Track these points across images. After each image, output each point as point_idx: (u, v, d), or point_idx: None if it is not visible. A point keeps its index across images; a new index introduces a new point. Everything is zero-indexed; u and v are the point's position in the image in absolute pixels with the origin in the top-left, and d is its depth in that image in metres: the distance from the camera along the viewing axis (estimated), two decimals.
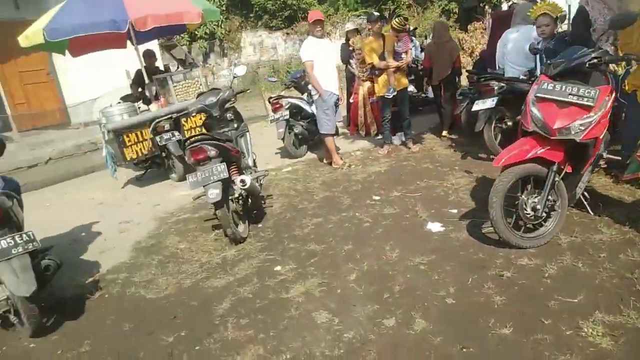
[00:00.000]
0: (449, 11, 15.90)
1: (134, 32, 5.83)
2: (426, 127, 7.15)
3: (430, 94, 7.47)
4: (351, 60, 7.27)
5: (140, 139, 5.95)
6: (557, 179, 2.87)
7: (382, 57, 5.75)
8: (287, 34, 17.89)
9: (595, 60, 2.75)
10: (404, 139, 6.27)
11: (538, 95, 2.84)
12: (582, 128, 2.70)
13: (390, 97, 5.78)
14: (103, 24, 5.66)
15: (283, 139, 6.35)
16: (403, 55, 5.81)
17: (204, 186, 3.55)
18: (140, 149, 5.97)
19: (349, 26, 8.07)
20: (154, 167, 6.53)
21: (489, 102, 4.83)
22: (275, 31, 18.12)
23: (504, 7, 14.11)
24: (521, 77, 4.89)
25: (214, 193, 3.48)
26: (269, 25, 18.07)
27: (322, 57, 5.45)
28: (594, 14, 3.91)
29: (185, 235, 4.26)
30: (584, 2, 4.03)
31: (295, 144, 6.55)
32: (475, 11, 15.57)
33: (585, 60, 2.76)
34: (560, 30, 4.58)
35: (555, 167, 2.81)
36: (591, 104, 2.67)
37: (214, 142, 3.71)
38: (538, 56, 4.36)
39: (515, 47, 4.98)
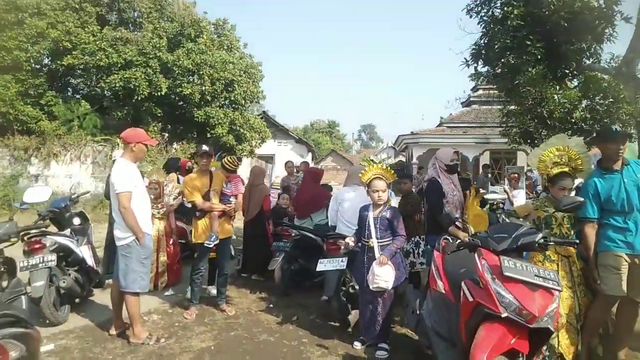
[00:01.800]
0: None
1: None
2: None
3: None
4: None
5: None
6: None
7: (206, 197, 4.77)
8: None
9: (542, 240, 2.71)
10: (216, 297, 5.10)
11: (506, 274, 2.55)
12: (552, 315, 2.49)
13: (212, 245, 4.72)
14: None
15: (39, 298, 4.18)
16: (232, 199, 4.99)
17: None
18: None
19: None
20: None
21: (338, 263, 4.40)
22: None
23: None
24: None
25: None
26: None
27: (140, 188, 4.08)
28: (446, 187, 4.19)
29: None
30: (433, 175, 4.30)
31: (56, 303, 4.42)
32: None
33: (535, 240, 2.70)
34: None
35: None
36: (558, 289, 2.53)
37: None
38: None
39: (352, 207, 4.89)
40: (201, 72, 15.15)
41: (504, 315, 2.47)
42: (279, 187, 8.36)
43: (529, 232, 2.81)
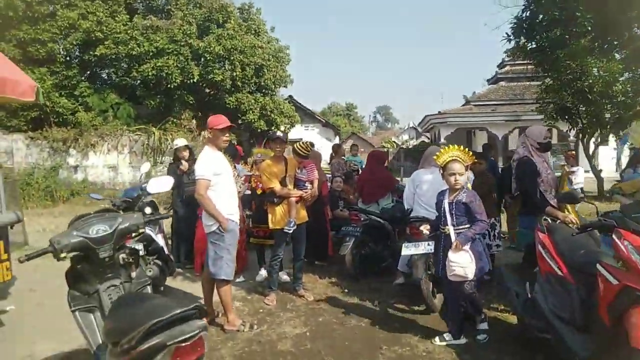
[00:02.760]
0: None
1: None
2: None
3: None
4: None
5: None
6: None
7: (282, 183, 4.71)
8: (32, 138, 14.44)
9: None
10: (292, 282, 5.09)
11: None
12: None
13: (291, 231, 4.68)
14: None
15: None
16: (308, 185, 4.92)
17: None
18: None
19: (179, 142, 6.68)
20: None
21: (425, 247, 4.31)
22: (12, 133, 14.42)
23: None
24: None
25: None
26: (3, 124, 14.33)
27: (225, 176, 4.02)
28: (539, 165, 4.05)
29: None
30: (525, 154, 4.16)
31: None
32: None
33: None
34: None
35: None
36: None
37: None
38: None
39: (432, 189, 4.78)
40: (232, 58, 15.07)
41: None
42: (328, 172, 8.29)
43: None
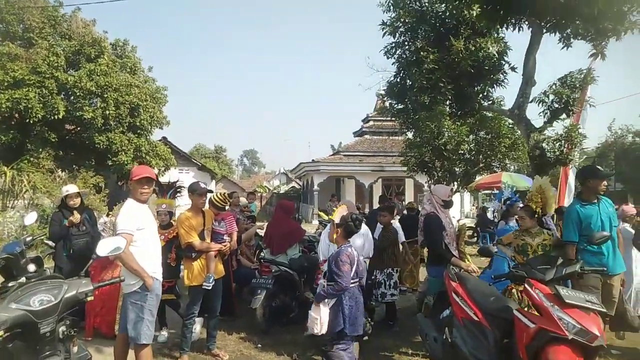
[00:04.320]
0: None
1: None
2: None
3: None
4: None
5: None
6: None
7: (200, 237, 4.53)
8: None
9: (579, 269, 3.20)
10: (206, 341, 4.80)
11: (567, 301, 2.94)
12: (601, 334, 2.94)
13: (210, 287, 4.48)
14: None
15: None
16: (226, 238, 4.79)
17: None
18: None
19: (70, 189, 5.99)
20: None
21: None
22: None
23: None
24: None
25: None
26: None
27: (149, 230, 3.75)
28: (444, 220, 4.59)
29: None
30: (432, 210, 4.67)
31: None
32: None
33: (576, 269, 3.16)
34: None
35: None
36: (604, 310, 2.99)
37: None
38: None
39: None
40: (105, 95, 14.04)
41: (570, 337, 2.86)
42: None
43: (570, 264, 3.29)
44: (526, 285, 3.20)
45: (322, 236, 5.32)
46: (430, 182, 16.38)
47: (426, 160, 14.98)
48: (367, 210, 19.76)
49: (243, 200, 9.43)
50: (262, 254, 6.34)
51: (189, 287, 4.58)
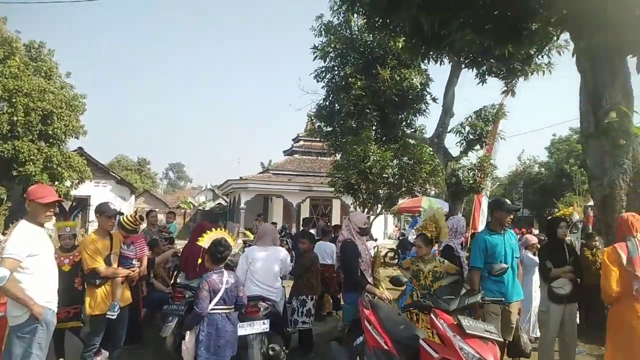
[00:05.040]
0: None
1: None
2: None
3: None
4: None
5: None
6: None
7: (107, 262, 4.22)
8: None
9: (481, 300, 3.35)
10: None
11: (468, 331, 3.05)
12: None
13: (114, 317, 4.17)
14: None
15: None
16: (135, 262, 4.50)
17: None
18: None
19: None
20: None
21: (260, 326, 4.38)
22: None
23: None
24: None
25: None
26: None
27: (44, 256, 3.42)
28: (360, 247, 4.66)
29: None
30: (349, 236, 4.71)
31: None
32: None
33: (477, 299, 3.31)
34: None
35: None
36: (500, 340, 3.14)
37: None
38: None
39: (265, 266, 4.95)
40: (13, 100, 12.94)
41: None
42: None
43: (471, 294, 3.44)
44: (431, 315, 3.31)
45: (241, 260, 5.18)
46: (355, 203, 16.80)
47: (352, 183, 15.33)
48: (294, 230, 19.81)
49: (161, 218, 9.01)
50: (177, 279, 6.05)
51: (91, 316, 4.23)
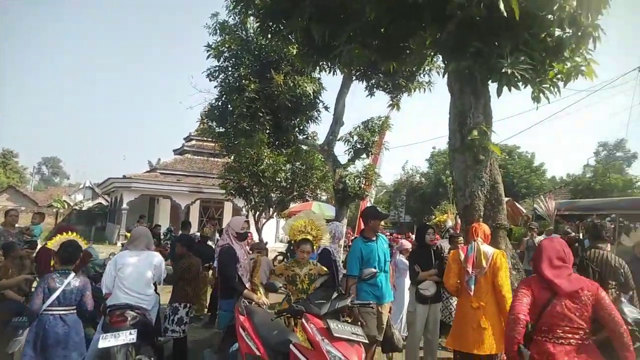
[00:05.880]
0: None
1: None
2: None
3: None
4: None
5: None
6: None
7: None
8: None
9: (350, 303, 3.45)
10: None
11: (336, 335, 3.10)
12: None
13: None
14: None
15: None
16: None
17: None
18: None
19: None
20: None
21: (126, 336, 4.05)
22: None
23: None
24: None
25: None
26: None
27: None
28: (239, 252, 4.55)
29: None
30: (228, 241, 4.58)
31: None
32: None
33: (347, 303, 3.40)
34: None
35: None
36: (366, 341, 3.26)
37: None
38: None
39: (135, 272, 4.59)
40: None
41: None
42: None
43: (342, 297, 3.53)
44: (303, 320, 3.35)
45: (109, 266, 4.78)
46: (247, 206, 16.61)
47: (244, 185, 15.13)
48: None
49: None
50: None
51: None
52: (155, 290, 4.90)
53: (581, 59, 4.78)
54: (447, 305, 6.03)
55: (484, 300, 4.06)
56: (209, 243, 8.95)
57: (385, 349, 5.11)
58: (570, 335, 2.63)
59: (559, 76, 4.93)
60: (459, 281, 4.24)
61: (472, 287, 4.08)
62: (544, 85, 4.90)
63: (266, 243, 16.16)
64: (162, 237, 16.07)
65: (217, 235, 13.49)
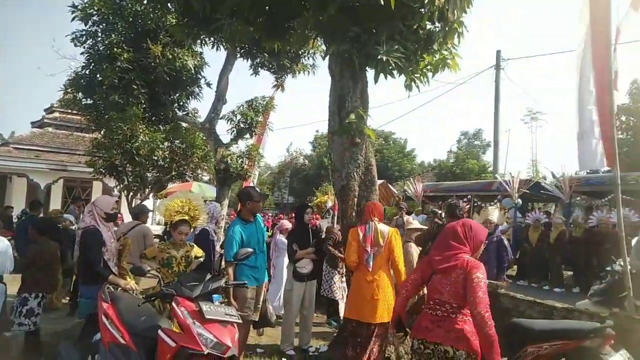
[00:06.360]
0: None
1: None
2: None
3: None
4: None
5: None
6: None
7: None
8: None
9: (224, 284, 3.35)
10: None
11: (208, 317, 2.98)
12: (237, 344, 3.13)
13: None
14: None
15: None
16: None
17: None
18: None
19: None
20: None
21: None
22: None
23: None
24: None
25: None
26: None
27: None
28: (105, 235, 4.15)
29: None
30: (92, 223, 4.14)
31: None
32: None
33: (221, 284, 3.29)
34: None
35: None
36: (239, 321, 3.20)
37: None
38: None
39: None
40: None
41: (206, 352, 2.95)
42: None
43: (216, 279, 3.42)
44: (173, 303, 3.19)
45: None
46: (119, 186, 15.38)
47: (116, 164, 13.96)
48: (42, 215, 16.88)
49: None
50: None
51: None
52: (1, 280, 4.32)
53: (447, 52, 5.20)
54: (328, 280, 6.25)
55: (377, 274, 4.36)
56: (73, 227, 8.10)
57: (258, 325, 5.15)
58: (438, 307, 2.84)
59: (428, 67, 5.32)
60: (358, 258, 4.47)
61: (371, 264, 4.36)
62: (415, 75, 5.25)
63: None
64: (16, 219, 14.19)
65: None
